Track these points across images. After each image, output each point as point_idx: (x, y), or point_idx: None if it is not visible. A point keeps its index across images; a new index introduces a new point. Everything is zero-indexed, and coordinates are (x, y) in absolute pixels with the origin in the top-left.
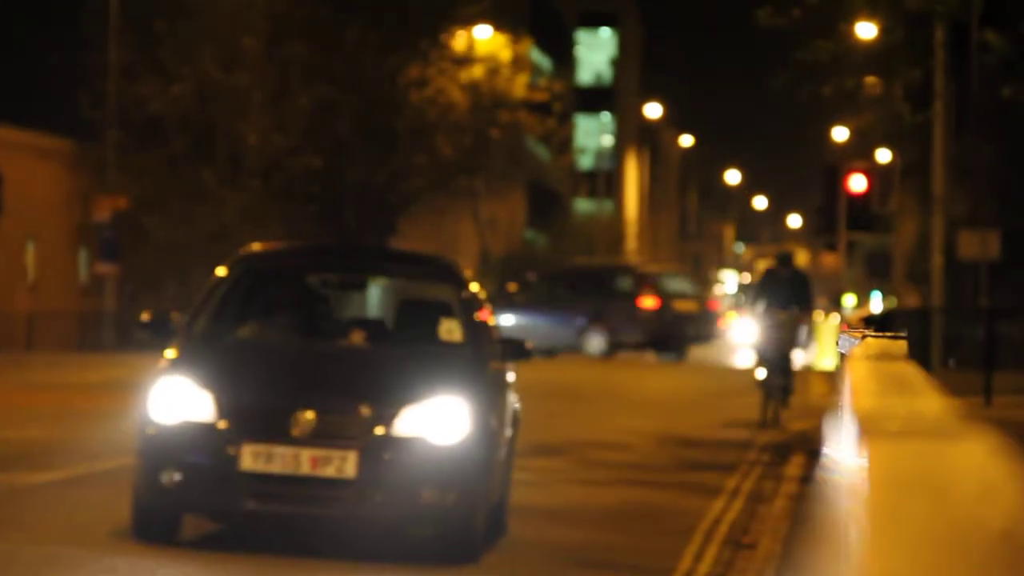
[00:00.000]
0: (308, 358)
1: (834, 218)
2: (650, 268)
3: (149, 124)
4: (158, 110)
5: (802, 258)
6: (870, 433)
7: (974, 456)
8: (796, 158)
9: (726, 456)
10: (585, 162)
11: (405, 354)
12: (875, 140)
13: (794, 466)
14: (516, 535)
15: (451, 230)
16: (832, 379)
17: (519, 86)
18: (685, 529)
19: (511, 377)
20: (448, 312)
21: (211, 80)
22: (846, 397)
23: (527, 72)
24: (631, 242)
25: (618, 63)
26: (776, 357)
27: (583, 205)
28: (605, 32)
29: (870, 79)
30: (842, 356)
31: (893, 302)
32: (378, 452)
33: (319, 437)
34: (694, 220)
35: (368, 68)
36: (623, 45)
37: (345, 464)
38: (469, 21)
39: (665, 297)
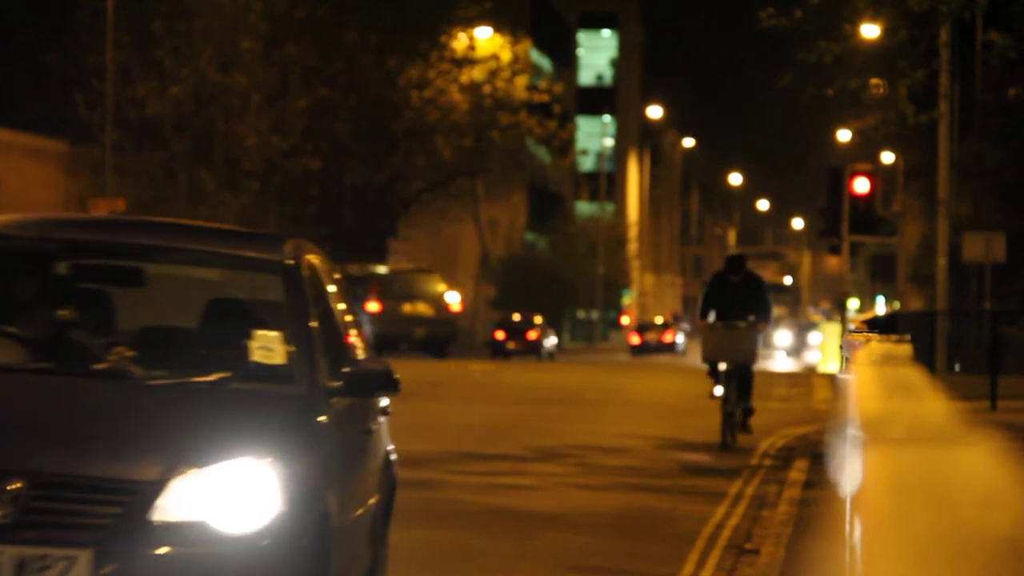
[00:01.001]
0: (29, 394)
1: (837, 221)
2: (400, 272)
3: (147, 126)
4: (156, 111)
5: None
6: (874, 438)
7: (979, 461)
8: (799, 160)
9: (728, 461)
10: (586, 164)
11: (189, 387)
12: (879, 142)
13: (797, 471)
14: (517, 541)
15: (451, 232)
16: (836, 383)
17: (519, 87)
18: (687, 534)
19: (377, 418)
20: (268, 319)
21: (209, 81)
22: (850, 401)
23: (527, 73)
24: (632, 245)
25: (619, 64)
26: (732, 373)
27: (584, 207)
28: (606, 33)
29: (874, 80)
30: (846, 360)
31: (897, 305)
32: (128, 550)
33: (32, 527)
34: (696, 223)
35: (367, 69)
36: (624, 46)
37: (72, 570)
38: (469, 22)
39: (389, 301)
